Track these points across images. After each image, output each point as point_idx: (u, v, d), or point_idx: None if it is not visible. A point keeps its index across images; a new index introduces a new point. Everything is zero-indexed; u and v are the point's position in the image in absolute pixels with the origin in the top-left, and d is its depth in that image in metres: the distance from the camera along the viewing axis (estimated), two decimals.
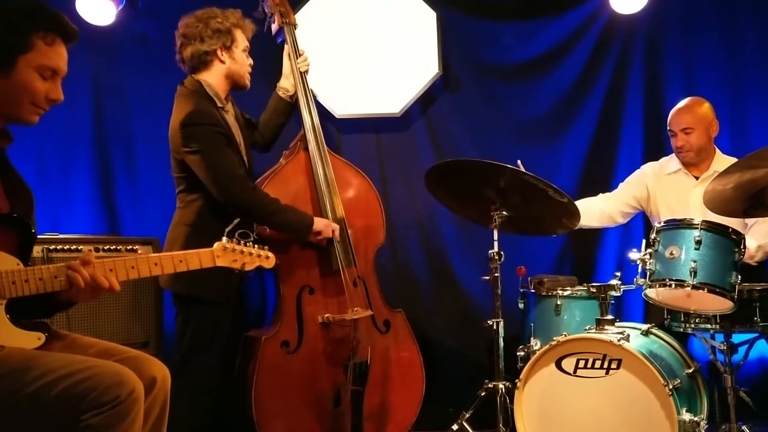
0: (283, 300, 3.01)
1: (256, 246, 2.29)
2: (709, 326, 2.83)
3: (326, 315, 3.01)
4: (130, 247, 3.18)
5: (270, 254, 2.33)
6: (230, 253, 2.20)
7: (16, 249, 1.89)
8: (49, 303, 1.96)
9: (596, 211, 3.60)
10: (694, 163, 3.48)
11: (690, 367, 2.90)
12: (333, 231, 3.03)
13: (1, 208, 1.94)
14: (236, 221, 2.25)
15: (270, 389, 2.90)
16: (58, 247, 3.01)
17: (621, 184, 3.70)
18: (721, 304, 2.71)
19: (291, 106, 3.27)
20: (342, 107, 3.91)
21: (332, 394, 2.98)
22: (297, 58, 3.24)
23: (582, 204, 3.25)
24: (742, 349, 2.88)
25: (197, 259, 2.14)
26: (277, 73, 3.31)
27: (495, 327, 3.00)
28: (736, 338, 2.84)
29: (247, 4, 3.24)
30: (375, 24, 3.94)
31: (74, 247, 3.04)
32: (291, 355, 2.96)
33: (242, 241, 2.24)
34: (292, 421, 2.94)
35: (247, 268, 2.26)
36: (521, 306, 3.35)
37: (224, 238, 2.20)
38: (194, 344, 2.86)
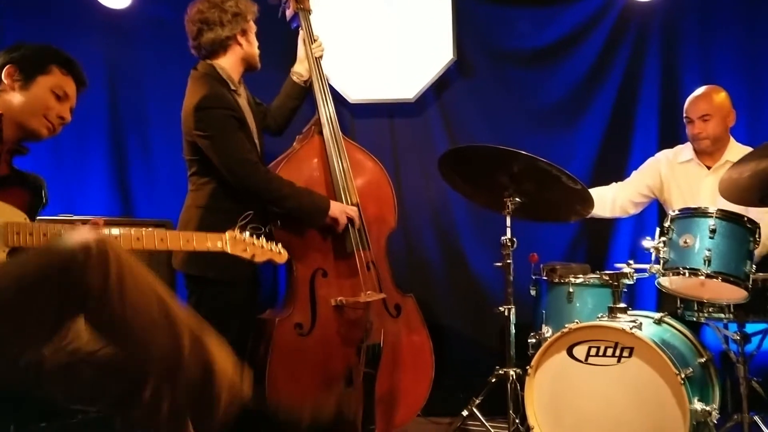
0: (297, 282, 3.02)
1: (267, 242, 2.32)
2: (722, 315, 2.83)
3: (339, 298, 3.01)
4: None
5: (282, 250, 2.38)
6: (241, 242, 2.26)
7: (25, 206, 2.07)
8: None
9: (608, 201, 3.58)
10: (708, 152, 3.45)
11: (702, 357, 2.88)
12: (350, 216, 3.02)
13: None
14: (249, 215, 2.29)
15: (283, 370, 2.91)
16: None
17: (634, 173, 3.67)
18: (734, 294, 2.70)
19: (305, 90, 3.28)
20: (356, 92, 3.90)
21: (345, 375, 2.99)
22: (312, 44, 3.24)
23: (593, 193, 3.24)
24: (755, 339, 2.88)
25: (205, 241, 2.22)
26: (291, 59, 3.31)
27: (507, 313, 3.01)
28: (750, 328, 2.83)
29: None
30: (390, 9, 3.93)
31: None
32: (304, 336, 2.97)
33: (254, 234, 2.30)
34: (304, 402, 2.95)
35: (257, 259, 2.32)
36: (533, 293, 3.34)
37: (236, 229, 2.25)
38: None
